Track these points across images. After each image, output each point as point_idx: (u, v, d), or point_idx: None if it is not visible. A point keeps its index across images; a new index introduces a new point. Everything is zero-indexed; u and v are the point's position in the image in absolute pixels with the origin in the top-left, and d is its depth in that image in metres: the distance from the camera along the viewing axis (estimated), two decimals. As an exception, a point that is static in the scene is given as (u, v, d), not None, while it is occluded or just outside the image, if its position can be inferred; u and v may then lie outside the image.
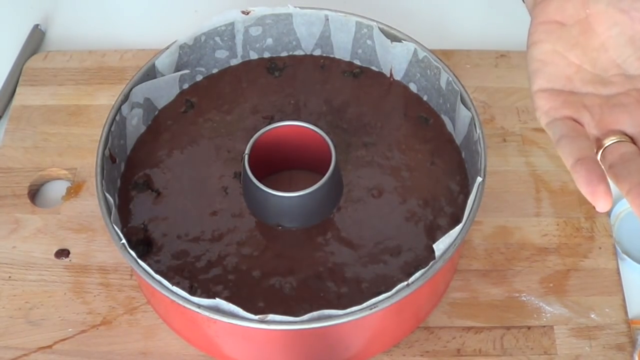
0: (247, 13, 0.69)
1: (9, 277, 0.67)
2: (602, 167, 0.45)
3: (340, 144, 0.66)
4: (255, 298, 0.59)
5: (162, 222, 0.63)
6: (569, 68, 0.50)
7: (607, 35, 0.49)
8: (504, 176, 0.72)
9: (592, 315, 0.64)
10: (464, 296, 0.65)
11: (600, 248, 0.68)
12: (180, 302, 0.54)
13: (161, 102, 0.69)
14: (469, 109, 0.62)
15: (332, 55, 0.72)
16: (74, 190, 0.71)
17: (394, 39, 0.68)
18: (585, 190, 0.44)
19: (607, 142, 0.47)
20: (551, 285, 0.66)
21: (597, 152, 0.47)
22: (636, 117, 0.47)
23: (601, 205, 0.43)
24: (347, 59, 0.72)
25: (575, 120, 0.48)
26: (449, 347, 0.63)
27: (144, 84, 0.66)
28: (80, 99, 0.77)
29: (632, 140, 0.46)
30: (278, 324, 0.53)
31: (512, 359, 0.62)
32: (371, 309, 0.53)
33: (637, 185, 0.43)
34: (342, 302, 0.58)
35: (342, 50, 0.71)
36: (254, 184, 0.60)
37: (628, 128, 0.47)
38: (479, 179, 0.58)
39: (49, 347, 0.63)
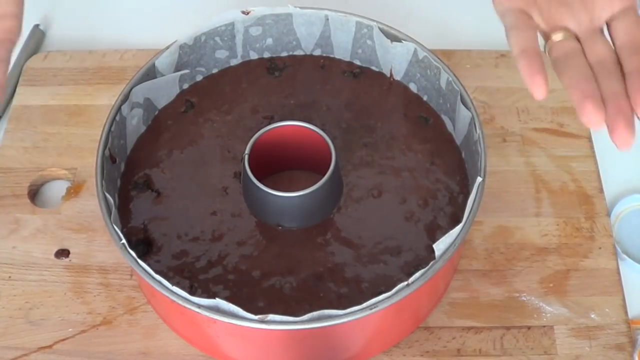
0: (247, 13, 0.69)
1: (9, 277, 0.67)
2: (543, 59, 0.49)
3: (340, 144, 0.66)
4: (255, 298, 0.59)
5: (162, 222, 0.63)
6: None
7: None
8: (504, 176, 0.72)
9: (592, 315, 0.64)
10: (464, 296, 0.65)
11: (600, 248, 0.68)
12: (180, 302, 0.54)
13: (161, 102, 0.69)
14: (469, 109, 0.63)
15: (332, 55, 0.72)
16: (74, 190, 0.71)
17: (394, 39, 0.68)
18: (526, 79, 0.48)
19: (555, 37, 0.51)
20: (551, 285, 0.66)
21: (545, 46, 0.51)
22: (581, 15, 0.51)
23: (538, 93, 0.47)
24: (347, 59, 0.72)
25: (526, 13, 0.52)
26: (449, 347, 0.63)
27: (144, 84, 0.66)
28: (80, 99, 0.77)
29: (577, 38, 0.51)
30: (278, 324, 0.53)
31: (512, 359, 0.62)
32: (371, 309, 0.53)
33: (575, 80, 0.48)
34: (342, 302, 0.58)
35: (342, 50, 0.71)
36: (254, 184, 0.60)
37: (573, 26, 0.51)
38: (479, 179, 0.58)
39: (49, 347, 0.63)
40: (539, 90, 0.47)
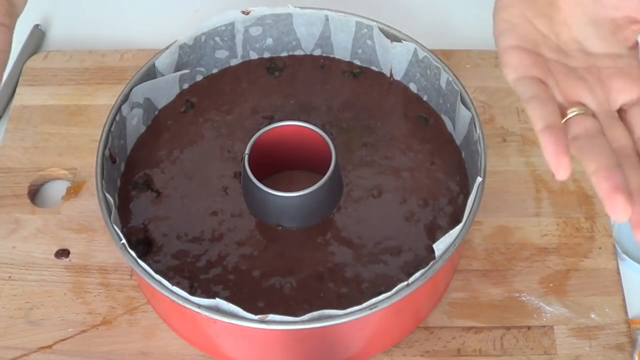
0: (247, 13, 0.69)
1: (9, 277, 0.67)
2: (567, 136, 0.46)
3: (340, 144, 0.66)
4: (255, 298, 0.59)
5: (162, 222, 0.63)
6: (536, 34, 0.51)
7: (570, 13, 0.51)
8: (504, 176, 0.72)
9: (592, 315, 0.64)
10: (464, 296, 0.65)
11: (600, 248, 0.68)
12: (180, 302, 0.54)
13: (161, 102, 0.69)
14: (469, 109, 0.63)
15: (332, 55, 0.72)
16: (74, 190, 0.71)
17: (394, 39, 0.68)
18: (551, 159, 0.45)
19: (571, 112, 0.48)
20: (551, 285, 0.66)
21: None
22: (597, 93, 0.49)
23: (562, 174, 0.44)
24: (347, 59, 0.72)
25: (544, 83, 0.49)
26: (449, 347, 0.63)
27: (144, 84, 0.66)
28: (80, 99, 0.77)
29: (593, 115, 0.48)
30: (278, 324, 0.53)
31: (512, 359, 0.62)
32: (371, 309, 0.53)
33: (603, 167, 0.44)
34: (342, 302, 0.58)
35: (342, 50, 0.71)
36: (254, 184, 0.60)
37: (589, 102, 0.48)
38: (479, 179, 0.58)
39: (49, 347, 0.63)
40: (563, 172, 0.44)
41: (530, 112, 0.47)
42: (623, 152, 0.46)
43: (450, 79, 0.64)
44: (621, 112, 0.49)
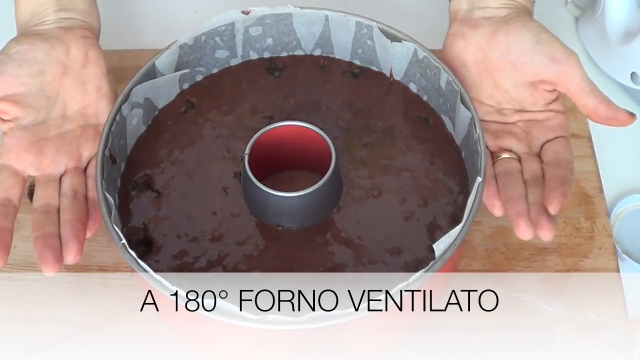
0: (247, 13, 0.69)
1: (9, 277, 0.67)
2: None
3: (340, 144, 0.66)
4: (256, 298, 0.59)
5: (162, 222, 0.63)
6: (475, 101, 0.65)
7: (502, 78, 0.64)
8: (504, 176, 0.71)
9: (592, 315, 0.64)
10: (464, 296, 0.65)
11: (600, 248, 0.68)
12: (180, 302, 0.54)
13: (161, 102, 0.69)
14: (469, 109, 0.63)
15: (332, 55, 0.72)
16: (74, 190, 0.71)
17: (394, 39, 0.68)
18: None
19: (499, 156, 0.63)
20: (551, 285, 0.66)
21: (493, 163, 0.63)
22: (522, 140, 0.63)
23: (497, 213, 0.61)
24: (347, 59, 0.72)
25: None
26: (449, 347, 0.63)
27: (144, 84, 0.66)
28: (80, 99, 0.77)
29: (519, 158, 0.62)
30: (278, 324, 0.53)
31: (512, 359, 0.62)
32: (371, 309, 0.53)
33: (512, 198, 0.59)
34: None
35: (342, 50, 0.71)
36: (254, 184, 0.60)
37: (515, 148, 0.63)
38: (479, 179, 0.58)
39: (49, 347, 0.63)
40: (498, 211, 0.61)
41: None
42: (533, 178, 0.60)
43: (450, 79, 0.64)
44: (541, 150, 0.62)
